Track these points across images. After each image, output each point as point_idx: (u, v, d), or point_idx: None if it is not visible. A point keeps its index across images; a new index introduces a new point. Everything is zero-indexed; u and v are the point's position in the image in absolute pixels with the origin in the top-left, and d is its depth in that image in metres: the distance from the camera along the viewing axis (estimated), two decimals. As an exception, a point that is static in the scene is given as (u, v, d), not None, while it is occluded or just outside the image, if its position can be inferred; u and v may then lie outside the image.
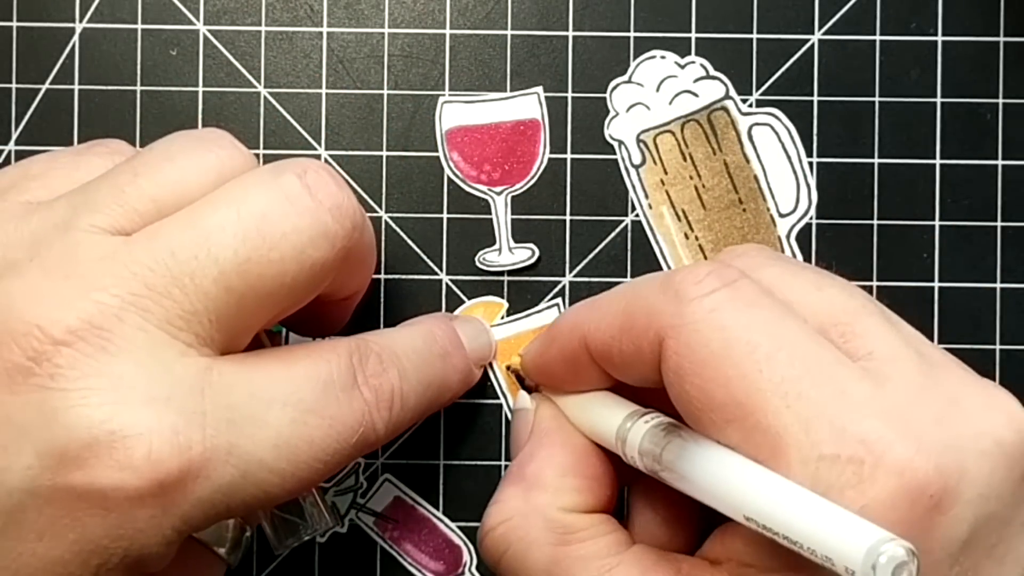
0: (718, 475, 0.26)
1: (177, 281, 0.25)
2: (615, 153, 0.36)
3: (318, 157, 0.36)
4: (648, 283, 0.29)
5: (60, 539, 0.24)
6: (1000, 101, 0.36)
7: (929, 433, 0.25)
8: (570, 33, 0.36)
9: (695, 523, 0.31)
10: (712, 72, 0.36)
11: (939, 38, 0.36)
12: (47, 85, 0.36)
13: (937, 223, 0.36)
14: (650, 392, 0.29)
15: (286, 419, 0.26)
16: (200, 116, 0.36)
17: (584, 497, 0.30)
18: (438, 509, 0.36)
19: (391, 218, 0.36)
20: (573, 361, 0.31)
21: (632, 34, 0.36)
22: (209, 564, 0.30)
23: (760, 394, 0.25)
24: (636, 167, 0.36)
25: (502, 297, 0.36)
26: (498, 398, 0.36)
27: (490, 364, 0.36)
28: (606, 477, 0.30)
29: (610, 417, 0.30)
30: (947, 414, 0.25)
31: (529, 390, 0.33)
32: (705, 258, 0.36)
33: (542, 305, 0.36)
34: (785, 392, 0.25)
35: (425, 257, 0.36)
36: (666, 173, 0.36)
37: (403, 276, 0.36)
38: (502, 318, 0.36)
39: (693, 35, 0.36)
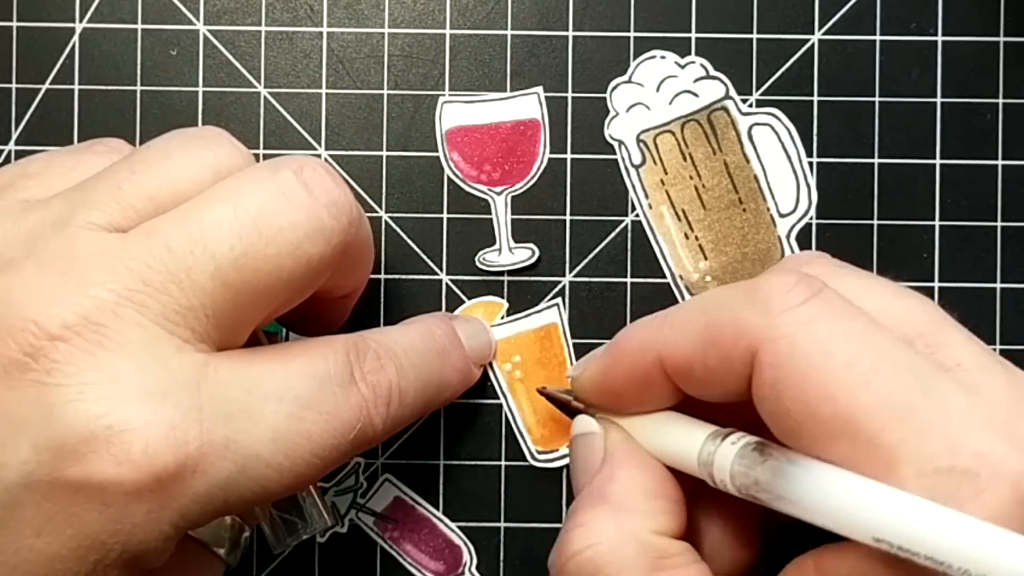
0: (837, 495, 0.24)
1: (173, 277, 0.25)
2: (615, 153, 0.36)
3: (318, 157, 0.36)
4: (730, 294, 0.28)
5: (58, 534, 0.24)
6: (1000, 101, 0.36)
7: None
8: (570, 33, 0.36)
9: (758, 541, 0.30)
10: (712, 72, 0.36)
11: (939, 38, 0.36)
12: (47, 85, 0.36)
13: (937, 223, 0.36)
14: (715, 408, 0.28)
15: (283, 414, 0.26)
16: (200, 116, 0.36)
17: (671, 521, 0.28)
18: (438, 509, 0.36)
19: (391, 218, 0.36)
20: (644, 380, 0.29)
21: (632, 34, 0.36)
22: (208, 564, 0.30)
23: (869, 408, 0.24)
24: (636, 167, 0.36)
25: (502, 297, 0.36)
26: (498, 398, 0.36)
27: (490, 364, 0.36)
28: (683, 500, 0.29)
29: (687, 439, 0.28)
30: None
31: (572, 413, 0.32)
32: (705, 258, 0.36)
33: (542, 305, 0.36)
34: (895, 405, 0.24)
35: (425, 257, 0.36)
36: (666, 173, 0.36)
37: (403, 276, 0.36)
38: (502, 318, 0.36)
39: (693, 35, 0.36)
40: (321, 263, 0.27)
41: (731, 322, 0.26)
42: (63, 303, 0.24)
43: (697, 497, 0.30)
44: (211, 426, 0.25)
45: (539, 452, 0.36)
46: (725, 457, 0.27)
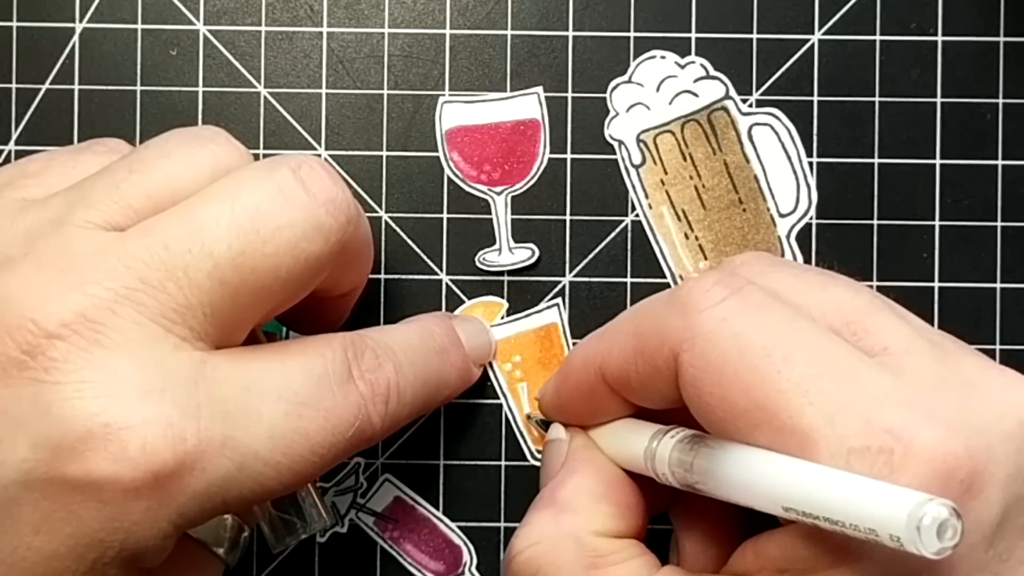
0: (751, 471, 0.26)
1: (171, 275, 0.25)
2: (615, 153, 0.36)
3: (317, 156, 0.36)
4: (655, 302, 0.29)
5: (56, 533, 0.24)
6: (1000, 101, 0.36)
7: (953, 418, 0.25)
8: (570, 33, 0.36)
9: (736, 541, 0.31)
10: (712, 72, 0.36)
11: (939, 38, 0.36)
12: (47, 85, 0.36)
13: (937, 223, 0.36)
14: (672, 414, 0.29)
15: (280, 412, 0.26)
16: (200, 116, 0.36)
17: (616, 523, 0.30)
18: (438, 509, 0.36)
19: (391, 218, 0.36)
20: (591, 394, 0.31)
21: (632, 34, 0.36)
22: (207, 564, 0.30)
23: (782, 395, 0.25)
24: (636, 167, 0.36)
25: (502, 297, 0.36)
26: (498, 398, 0.36)
27: (490, 364, 0.36)
28: (638, 506, 0.30)
29: (636, 439, 0.30)
30: (968, 399, 0.25)
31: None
32: (705, 258, 0.36)
33: (542, 305, 0.36)
34: (806, 390, 0.25)
35: (425, 257, 0.36)
36: (666, 173, 0.36)
37: (403, 276, 0.36)
38: (502, 318, 0.36)
39: (693, 35, 0.36)
40: (319, 261, 0.27)
41: (654, 328, 0.28)
42: (61, 301, 0.24)
43: (675, 502, 0.31)
44: (209, 424, 0.25)
45: (539, 452, 0.36)
46: (664, 451, 0.28)
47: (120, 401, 0.24)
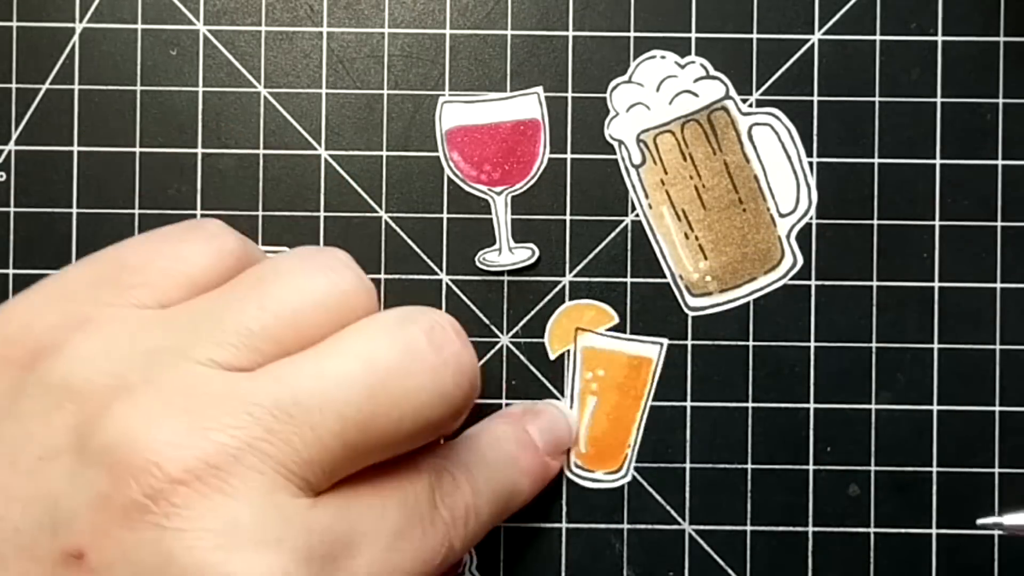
0: None
1: (298, 430, 0.25)
2: (615, 153, 0.36)
3: (318, 157, 0.36)
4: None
5: None
6: (1000, 101, 0.36)
7: None
8: (570, 33, 0.36)
9: None
10: (712, 72, 0.36)
11: (939, 38, 0.36)
12: (47, 85, 0.36)
13: (937, 223, 0.36)
14: None
15: (379, 549, 0.26)
16: (200, 116, 0.36)
17: None
18: (438, 509, 0.36)
19: (391, 218, 0.36)
20: None
21: (632, 34, 0.36)
22: None
23: None
24: (636, 167, 0.36)
25: (502, 297, 0.36)
26: (500, 398, 0.36)
27: (572, 365, 0.36)
28: None
29: None
30: None
31: None
32: (705, 258, 0.36)
33: (649, 337, 0.36)
34: None
35: (425, 257, 0.36)
36: (666, 173, 0.36)
37: (403, 276, 0.36)
38: (607, 329, 0.36)
39: (693, 35, 0.36)
40: (438, 427, 0.27)
41: None
42: (186, 445, 0.24)
43: None
44: (320, 569, 0.25)
45: (577, 466, 0.36)
46: None
47: (239, 553, 0.24)
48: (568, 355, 0.36)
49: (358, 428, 0.25)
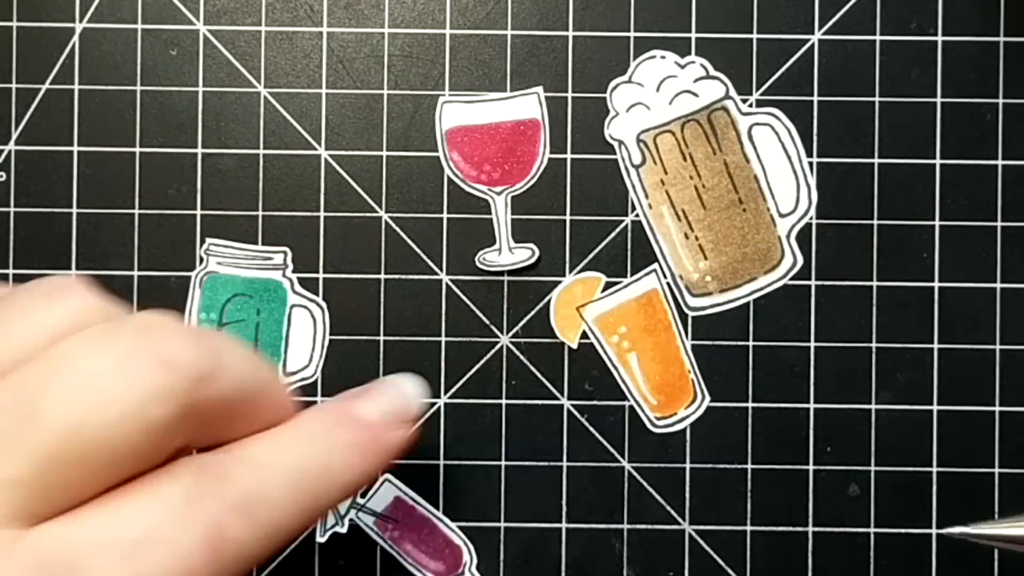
0: None
1: None
2: (615, 153, 0.36)
3: (318, 157, 0.36)
4: None
5: None
6: (1000, 101, 0.36)
7: None
8: (570, 33, 0.36)
9: None
10: (712, 72, 0.36)
11: (939, 38, 0.36)
12: (47, 85, 0.36)
13: (937, 223, 0.36)
14: None
15: (114, 557, 0.24)
16: (200, 116, 0.36)
17: None
18: (438, 509, 0.36)
19: (391, 218, 0.36)
20: None
21: (632, 34, 0.36)
22: None
23: None
24: (636, 167, 0.36)
25: (502, 297, 0.36)
26: (499, 398, 0.36)
27: (596, 337, 0.36)
28: None
29: None
30: None
31: None
32: (705, 258, 0.36)
33: (639, 274, 0.36)
34: None
35: (425, 257, 0.36)
36: (666, 173, 0.36)
37: (403, 276, 0.36)
38: (601, 292, 0.36)
39: (693, 35, 0.36)
40: (167, 427, 0.25)
41: None
42: None
43: None
44: None
45: (657, 419, 0.36)
46: None
47: None
48: (588, 335, 0.36)
49: (61, 438, 0.24)
